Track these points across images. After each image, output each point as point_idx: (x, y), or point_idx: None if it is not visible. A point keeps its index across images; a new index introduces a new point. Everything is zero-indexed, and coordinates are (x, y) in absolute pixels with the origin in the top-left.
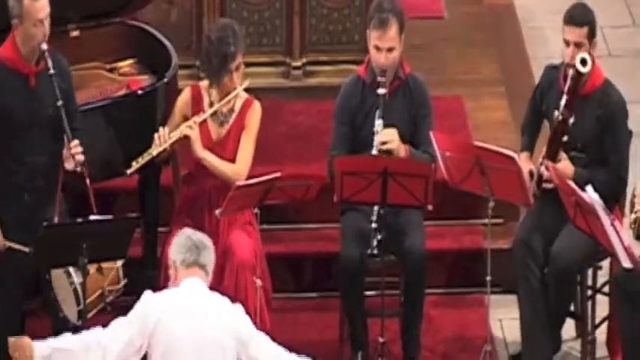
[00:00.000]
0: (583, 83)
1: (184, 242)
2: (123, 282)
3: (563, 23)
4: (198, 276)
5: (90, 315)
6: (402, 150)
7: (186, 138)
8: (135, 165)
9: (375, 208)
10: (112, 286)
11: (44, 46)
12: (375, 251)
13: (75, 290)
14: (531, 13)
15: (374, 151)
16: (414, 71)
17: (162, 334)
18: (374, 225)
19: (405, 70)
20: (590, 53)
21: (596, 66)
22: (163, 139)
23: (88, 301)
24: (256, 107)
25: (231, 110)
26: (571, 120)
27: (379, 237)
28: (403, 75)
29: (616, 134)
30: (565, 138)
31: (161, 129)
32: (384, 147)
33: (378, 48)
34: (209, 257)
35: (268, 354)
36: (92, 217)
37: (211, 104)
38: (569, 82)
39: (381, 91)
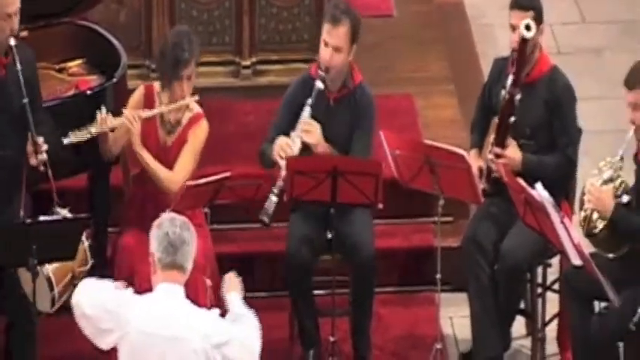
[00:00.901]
0: (531, 63)
1: (161, 239)
2: (90, 262)
3: (509, 10)
4: (174, 280)
5: (62, 300)
6: (320, 146)
7: (127, 130)
8: (72, 137)
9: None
10: (81, 267)
11: (12, 41)
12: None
13: (48, 279)
14: (480, 10)
15: (293, 134)
16: (365, 72)
17: (128, 347)
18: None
19: (356, 79)
20: (536, 39)
21: (544, 54)
22: (104, 121)
23: (61, 285)
24: (202, 125)
25: (179, 122)
26: (517, 97)
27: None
28: (352, 85)
29: (564, 117)
30: (512, 119)
31: (103, 110)
32: (305, 136)
33: (325, 43)
34: (188, 253)
35: (244, 352)
36: (41, 218)
37: (155, 114)
38: (515, 49)
39: (319, 84)
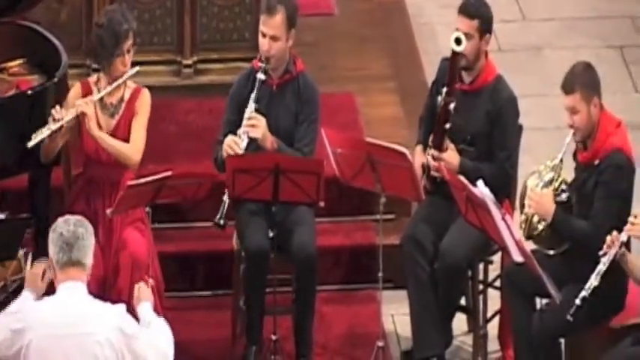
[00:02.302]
0: (476, 70)
1: (56, 241)
2: (25, 270)
3: (457, 13)
4: (73, 277)
5: None
6: (268, 140)
7: (82, 114)
8: (34, 138)
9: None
10: (14, 275)
11: None
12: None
13: None
14: (421, 9)
15: (240, 131)
16: (306, 70)
17: (34, 353)
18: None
19: (298, 67)
20: (481, 47)
21: (490, 62)
22: (59, 115)
23: None
24: (145, 94)
25: (121, 100)
26: (452, 106)
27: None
28: (295, 71)
29: (504, 130)
30: (448, 125)
31: (57, 106)
32: (250, 131)
33: (263, 34)
34: (84, 247)
35: (152, 350)
36: None
37: (101, 97)
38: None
39: (260, 76)
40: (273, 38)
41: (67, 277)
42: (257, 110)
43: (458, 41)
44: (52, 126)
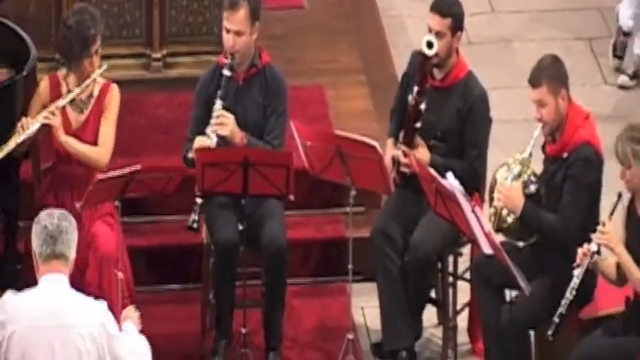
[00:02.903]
0: (447, 67)
1: (40, 233)
2: None
3: (429, 10)
4: (56, 270)
5: None
6: (237, 136)
7: (49, 125)
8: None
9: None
10: None
11: None
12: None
13: None
14: (390, 2)
15: (208, 130)
16: (275, 63)
17: (16, 345)
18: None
19: (264, 59)
20: (453, 45)
21: (461, 59)
22: (26, 126)
23: None
24: (114, 90)
25: (90, 96)
26: (422, 106)
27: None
28: (260, 64)
29: (474, 127)
30: (418, 124)
31: (23, 118)
32: (219, 130)
33: (227, 30)
34: (68, 241)
35: (130, 351)
36: None
37: (69, 92)
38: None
39: (226, 72)
40: (238, 33)
41: (49, 270)
42: (224, 107)
43: (430, 45)
44: (18, 138)
